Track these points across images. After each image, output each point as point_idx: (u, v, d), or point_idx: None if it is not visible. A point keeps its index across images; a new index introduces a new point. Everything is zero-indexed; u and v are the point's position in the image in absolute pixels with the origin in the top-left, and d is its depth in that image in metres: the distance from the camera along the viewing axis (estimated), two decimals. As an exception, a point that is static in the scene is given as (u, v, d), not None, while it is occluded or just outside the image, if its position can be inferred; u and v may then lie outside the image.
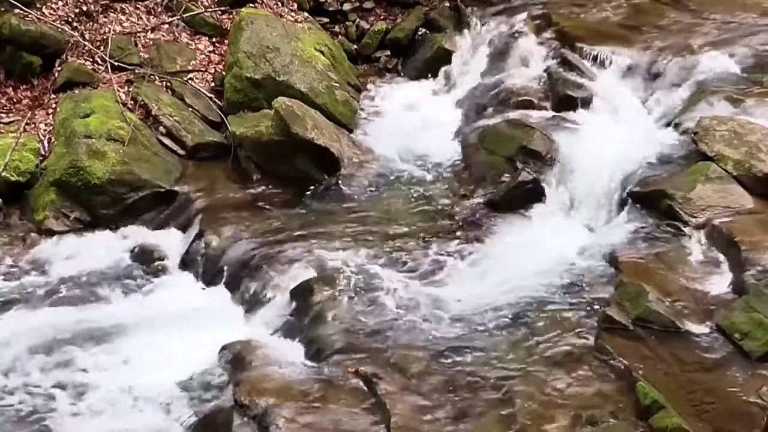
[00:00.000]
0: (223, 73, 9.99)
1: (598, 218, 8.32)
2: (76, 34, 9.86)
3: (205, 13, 10.65)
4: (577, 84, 9.52)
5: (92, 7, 10.22)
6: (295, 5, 11.02)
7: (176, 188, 8.89)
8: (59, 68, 9.77)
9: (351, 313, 7.27)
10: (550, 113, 9.34)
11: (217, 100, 9.78)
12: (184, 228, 8.57)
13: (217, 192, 8.93)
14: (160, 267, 8.23)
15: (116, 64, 9.70)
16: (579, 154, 8.73)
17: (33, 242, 8.40)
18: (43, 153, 9.05)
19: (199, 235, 8.38)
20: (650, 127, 9.06)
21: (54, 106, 9.48)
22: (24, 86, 9.74)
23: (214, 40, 10.56)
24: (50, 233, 8.48)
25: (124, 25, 10.35)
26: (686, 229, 7.73)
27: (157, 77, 9.84)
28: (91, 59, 9.89)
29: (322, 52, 10.23)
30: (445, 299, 7.46)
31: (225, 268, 8.10)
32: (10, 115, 9.50)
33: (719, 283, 7.28)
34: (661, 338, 6.76)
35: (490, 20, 10.93)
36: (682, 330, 6.83)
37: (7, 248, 8.32)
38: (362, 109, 10.19)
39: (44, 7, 10.01)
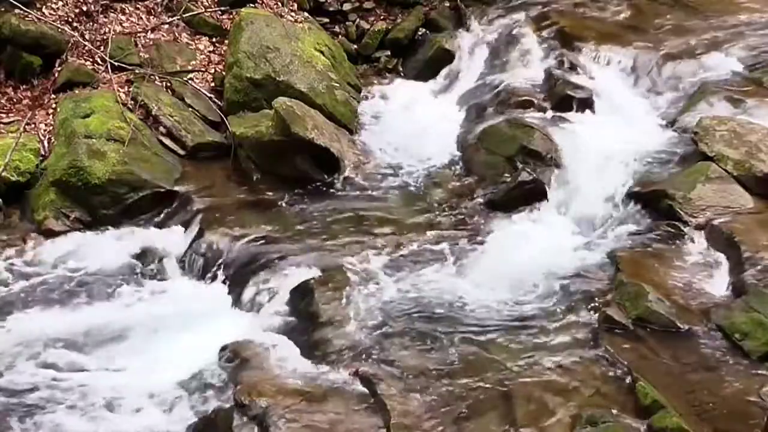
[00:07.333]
0: (223, 73, 9.98)
1: (598, 218, 8.30)
2: (76, 34, 9.86)
3: (205, 13, 10.65)
4: (577, 84, 9.53)
5: (92, 7, 10.21)
6: (295, 5, 11.02)
7: (176, 188, 8.87)
8: (59, 68, 9.76)
9: (351, 313, 7.27)
10: (550, 113, 9.34)
11: (217, 100, 9.76)
12: (184, 228, 8.55)
13: (217, 192, 8.93)
14: (160, 267, 8.22)
15: (116, 64, 9.69)
16: (579, 154, 8.72)
17: (33, 242, 8.38)
18: (43, 153, 9.03)
19: (199, 235, 8.38)
20: (650, 126, 9.07)
21: (54, 106, 9.46)
22: (24, 86, 9.72)
23: (214, 40, 10.55)
24: (50, 233, 8.45)
25: (124, 25, 10.34)
26: (686, 229, 7.73)
27: (157, 77, 9.83)
28: (91, 59, 9.88)
29: (322, 52, 10.23)
30: (445, 299, 7.45)
31: (225, 268, 8.09)
32: (10, 115, 9.49)
33: (719, 283, 7.28)
34: (661, 338, 6.76)
35: (490, 20, 10.93)
36: (682, 330, 6.82)
37: (7, 248, 8.30)
38: (362, 110, 10.18)
39: (44, 7, 9.99)
